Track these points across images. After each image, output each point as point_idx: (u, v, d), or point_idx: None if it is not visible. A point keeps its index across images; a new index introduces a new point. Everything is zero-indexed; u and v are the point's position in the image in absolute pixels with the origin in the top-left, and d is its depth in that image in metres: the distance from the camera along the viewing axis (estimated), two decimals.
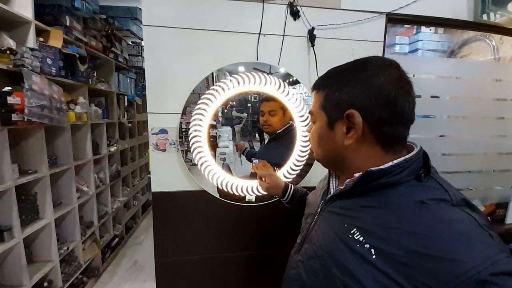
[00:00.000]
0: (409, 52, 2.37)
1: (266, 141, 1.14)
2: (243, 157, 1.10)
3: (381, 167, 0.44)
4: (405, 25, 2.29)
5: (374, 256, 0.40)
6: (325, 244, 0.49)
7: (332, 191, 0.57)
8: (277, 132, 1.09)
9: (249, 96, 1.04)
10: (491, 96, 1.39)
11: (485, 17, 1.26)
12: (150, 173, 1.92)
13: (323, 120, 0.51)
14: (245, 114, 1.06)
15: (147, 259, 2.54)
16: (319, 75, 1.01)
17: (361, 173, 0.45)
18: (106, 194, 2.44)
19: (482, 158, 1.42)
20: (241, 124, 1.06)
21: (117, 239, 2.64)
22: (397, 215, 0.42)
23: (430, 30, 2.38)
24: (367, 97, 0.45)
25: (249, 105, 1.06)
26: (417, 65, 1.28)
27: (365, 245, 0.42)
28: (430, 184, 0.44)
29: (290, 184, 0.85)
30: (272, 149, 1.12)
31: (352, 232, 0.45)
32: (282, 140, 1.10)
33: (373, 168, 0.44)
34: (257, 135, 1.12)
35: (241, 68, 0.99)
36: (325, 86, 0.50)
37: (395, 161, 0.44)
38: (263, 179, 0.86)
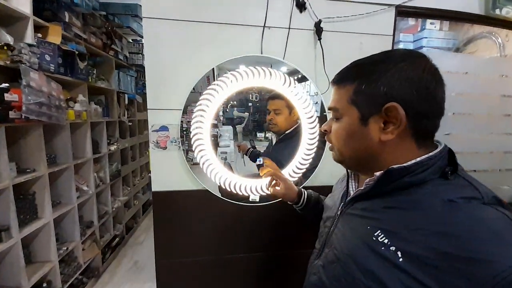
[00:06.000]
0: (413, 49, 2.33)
1: (273, 141, 1.10)
2: (246, 158, 1.05)
3: (404, 164, 0.42)
4: (412, 20, 2.25)
5: (400, 259, 0.38)
6: (346, 248, 0.47)
7: (351, 192, 0.54)
8: (286, 132, 1.05)
9: (250, 95, 1.00)
10: (498, 92, 1.35)
11: (496, 11, 1.22)
12: (150, 172, 1.88)
13: (354, 116, 0.46)
14: (246, 114, 1.03)
15: (148, 260, 2.51)
16: (326, 70, 0.98)
17: (381, 172, 0.43)
18: (106, 193, 2.41)
19: (488, 157, 1.38)
20: (242, 124, 1.03)
21: (117, 239, 2.61)
22: (425, 215, 0.39)
23: (435, 27, 2.34)
24: (408, 89, 0.42)
25: (250, 104, 1.02)
26: None
27: (391, 248, 0.40)
28: (458, 182, 0.42)
29: (302, 189, 0.81)
30: (281, 150, 1.07)
31: (375, 234, 0.42)
32: (291, 141, 1.05)
33: (394, 166, 0.42)
34: (258, 134, 1.08)
35: (243, 66, 0.95)
36: (354, 79, 0.46)
37: (418, 159, 0.42)
38: (275, 184, 0.81)
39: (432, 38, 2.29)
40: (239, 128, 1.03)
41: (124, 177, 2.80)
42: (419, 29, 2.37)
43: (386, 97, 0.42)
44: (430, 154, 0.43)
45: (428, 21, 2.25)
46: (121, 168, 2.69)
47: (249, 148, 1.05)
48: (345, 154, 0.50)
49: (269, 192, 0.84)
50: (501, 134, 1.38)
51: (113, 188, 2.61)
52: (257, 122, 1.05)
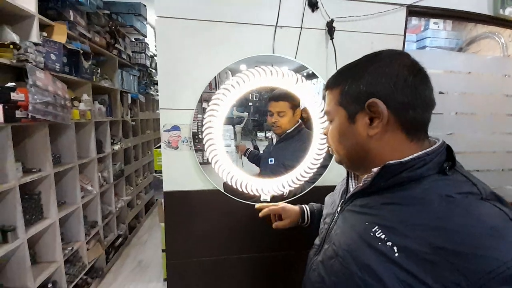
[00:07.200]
0: (416, 49, 2.33)
1: (274, 140, 1.10)
2: (244, 159, 1.05)
3: (400, 160, 0.42)
4: (416, 19, 2.25)
5: (396, 254, 0.39)
6: (345, 243, 0.48)
7: (351, 190, 0.55)
8: (288, 132, 1.05)
9: (250, 94, 0.99)
10: (501, 92, 1.35)
11: (504, 12, 1.22)
12: (155, 172, 1.86)
13: (342, 116, 0.49)
14: (246, 113, 1.02)
15: (152, 259, 2.51)
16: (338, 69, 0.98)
17: (379, 167, 0.44)
18: (110, 193, 2.41)
19: (491, 156, 1.38)
20: (242, 124, 1.02)
21: (121, 239, 2.61)
22: (421, 210, 0.40)
23: (438, 26, 2.34)
24: (386, 84, 0.44)
25: (250, 104, 1.01)
26: (425, 59, 1.21)
27: (387, 243, 0.40)
28: (456, 178, 0.42)
29: (302, 206, 0.81)
30: (282, 149, 1.07)
31: (373, 230, 0.43)
32: (293, 140, 1.05)
33: (391, 161, 0.42)
34: (258, 134, 1.07)
35: (243, 66, 0.94)
36: (339, 83, 0.50)
37: (415, 154, 0.42)
38: (275, 219, 0.82)
39: (435, 38, 2.30)
40: (238, 128, 1.02)
41: (127, 176, 2.80)
42: (422, 28, 2.38)
43: (367, 94, 0.45)
44: (428, 149, 0.43)
45: (432, 20, 2.25)
46: (124, 167, 2.69)
47: (248, 149, 1.05)
48: (341, 153, 0.52)
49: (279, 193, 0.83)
50: (504, 134, 1.38)
51: (117, 187, 2.61)
52: (257, 122, 1.04)
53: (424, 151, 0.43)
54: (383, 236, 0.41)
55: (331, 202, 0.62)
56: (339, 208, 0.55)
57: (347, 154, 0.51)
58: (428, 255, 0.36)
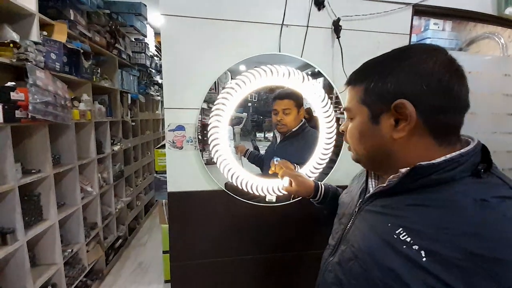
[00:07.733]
0: None
1: (278, 140, 1.09)
2: (244, 159, 1.04)
3: (433, 161, 0.40)
4: (416, 20, 2.26)
5: (424, 259, 0.37)
6: (364, 245, 0.46)
7: (371, 189, 0.52)
8: (293, 130, 1.04)
9: (249, 95, 0.98)
10: (501, 91, 1.35)
11: (508, 11, 1.22)
12: (156, 173, 1.85)
13: (364, 115, 0.46)
14: (245, 114, 1.01)
15: (152, 261, 2.48)
16: (345, 68, 0.97)
17: (408, 168, 0.41)
18: (110, 194, 2.38)
19: (491, 156, 1.38)
20: (241, 125, 1.01)
21: (120, 240, 2.58)
22: (454, 214, 0.38)
23: (438, 27, 2.35)
24: (417, 84, 0.40)
25: (249, 104, 1.00)
26: None
27: (414, 247, 0.38)
28: (491, 181, 0.40)
29: (319, 182, 0.80)
30: (286, 148, 1.06)
31: (397, 232, 0.40)
32: (297, 138, 1.05)
33: (423, 163, 0.40)
34: (257, 134, 1.07)
35: (249, 65, 0.93)
36: (363, 79, 0.46)
37: (448, 156, 0.40)
38: (288, 183, 0.81)
39: (435, 39, 2.31)
40: (237, 128, 1.01)
41: (127, 177, 2.77)
42: (422, 29, 2.39)
43: (394, 94, 0.42)
44: (462, 151, 0.40)
45: (432, 21, 2.26)
46: (124, 168, 2.66)
47: (247, 149, 1.04)
48: (360, 153, 0.50)
49: (285, 192, 0.85)
50: (505, 134, 1.39)
51: (116, 188, 2.58)
52: (255, 123, 1.03)
53: (457, 153, 0.40)
54: (408, 239, 0.39)
55: (348, 201, 0.59)
56: (357, 208, 0.53)
57: (366, 155, 0.49)
58: (460, 261, 0.34)
